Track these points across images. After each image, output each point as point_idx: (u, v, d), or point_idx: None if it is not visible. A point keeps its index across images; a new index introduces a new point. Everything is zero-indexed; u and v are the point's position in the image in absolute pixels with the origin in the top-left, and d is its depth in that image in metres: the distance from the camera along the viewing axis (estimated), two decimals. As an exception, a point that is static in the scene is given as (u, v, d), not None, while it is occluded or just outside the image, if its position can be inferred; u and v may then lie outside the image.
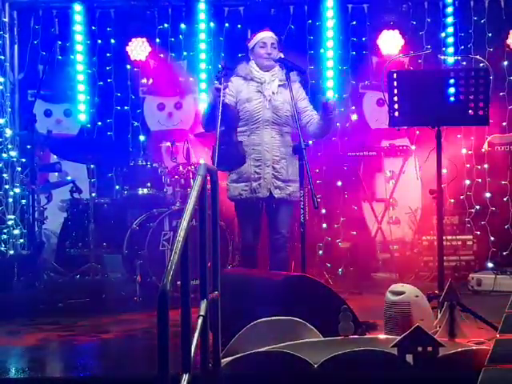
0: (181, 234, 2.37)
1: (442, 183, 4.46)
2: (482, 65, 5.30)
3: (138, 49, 7.36)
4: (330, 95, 4.84)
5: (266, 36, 5.05)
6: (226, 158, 4.74)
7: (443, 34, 7.25)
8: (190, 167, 6.23)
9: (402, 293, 3.82)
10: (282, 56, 5.09)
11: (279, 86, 5.02)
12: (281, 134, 5.00)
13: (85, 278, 6.01)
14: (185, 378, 2.34)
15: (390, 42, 7.17)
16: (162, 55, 7.50)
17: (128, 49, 7.35)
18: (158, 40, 7.49)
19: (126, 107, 7.53)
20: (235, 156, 4.88)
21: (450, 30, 7.21)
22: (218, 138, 4.65)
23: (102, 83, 7.51)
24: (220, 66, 4.85)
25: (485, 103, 4.22)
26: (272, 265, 5.05)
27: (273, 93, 4.99)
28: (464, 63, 6.85)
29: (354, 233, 7.15)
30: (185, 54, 7.52)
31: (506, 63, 7.10)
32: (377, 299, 4.09)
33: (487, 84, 4.25)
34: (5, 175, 7.20)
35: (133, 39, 7.35)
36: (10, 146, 7.23)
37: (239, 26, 7.40)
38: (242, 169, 4.93)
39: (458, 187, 6.96)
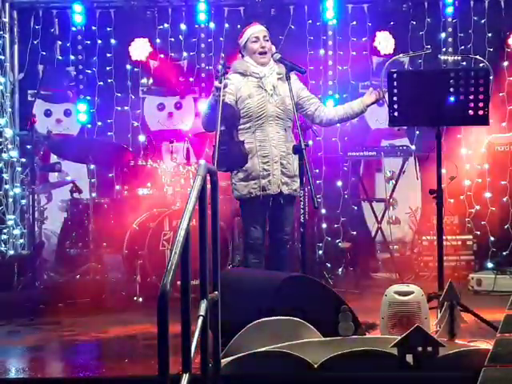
0: (181, 233, 2.36)
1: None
2: (482, 65, 5.30)
3: (140, 49, 7.38)
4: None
5: (257, 30, 4.97)
6: (226, 158, 4.71)
7: (443, 34, 7.25)
8: (189, 167, 6.23)
9: (410, 293, 3.82)
10: (274, 49, 5.05)
11: (277, 79, 4.99)
12: (284, 128, 4.96)
13: (85, 278, 6.01)
14: (185, 377, 2.34)
15: (385, 43, 7.20)
16: (161, 55, 7.51)
17: (130, 48, 7.37)
18: (158, 40, 7.49)
19: (126, 107, 7.54)
20: (236, 156, 4.83)
21: (450, 29, 7.21)
22: (218, 137, 4.62)
23: (102, 83, 7.52)
24: (220, 64, 4.82)
25: (485, 103, 4.22)
26: (272, 263, 5.04)
27: (273, 87, 4.96)
28: (464, 63, 6.85)
29: (354, 233, 7.15)
30: (185, 54, 7.53)
31: (505, 63, 7.10)
32: (377, 299, 4.08)
33: (487, 84, 4.24)
34: (5, 175, 7.21)
35: (136, 39, 7.37)
36: (10, 146, 7.23)
37: (239, 26, 7.38)
38: (249, 167, 4.85)
39: (457, 187, 6.96)
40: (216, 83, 4.74)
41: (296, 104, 4.88)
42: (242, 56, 5.06)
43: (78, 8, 7.40)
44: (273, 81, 4.94)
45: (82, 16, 7.43)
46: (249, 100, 4.89)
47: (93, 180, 6.30)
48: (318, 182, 6.91)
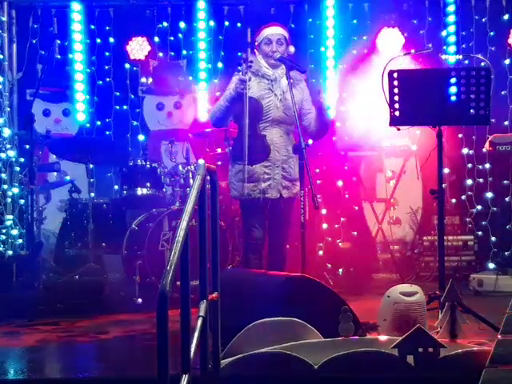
0: (180, 234, 2.35)
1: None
2: (483, 64, 5.29)
3: (138, 48, 7.36)
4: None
5: (271, 32, 4.96)
6: (251, 152, 4.74)
7: (444, 33, 7.23)
8: (189, 167, 6.21)
9: (415, 293, 3.80)
10: (293, 50, 5.03)
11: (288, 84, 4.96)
12: (287, 132, 4.98)
13: (84, 278, 5.98)
14: (184, 378, 2.33)
15: (391, 41, 7.16)
16: (161, 54, 7.50)
17: (128, 48, 7.35)
18: (157, 39, 7.48)
19: (125, 106, 7.53)
20: (260, 149, 4.86)
21: (452, 28, 7.18)
22: (247, 131, 4.67)
23: (101, 82, 7.50)
24: (242, 58, 4.82)
25: (486, 102, 4.20)
26: (272, 263, 5.03)
27: (283, 91, 4.95)
28: (465, 62, 6.83)
29: (355, 233, 7.12)
30: (184, 52, 7.52)
31: (507, 62, 7.08)
32: (377, 300, 4.07)
33: (488, 83, 4.22)
34: (3, 175, 7.18)
35: (133, 38, 7.35)
36: (8, 146, 7.20)
37: (239, 24, 7.39)
38: (250, 169, 4.87)
39: (459, 187, 6.94)
40: (241, 76, 4.73)
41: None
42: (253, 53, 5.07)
43: (76, 7, 7.38)
44: (283, 86, 4.93)
45: (80, 15, 7.41)
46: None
47: (92, 180, 6.28)
48: (318, 182, 6.89)
